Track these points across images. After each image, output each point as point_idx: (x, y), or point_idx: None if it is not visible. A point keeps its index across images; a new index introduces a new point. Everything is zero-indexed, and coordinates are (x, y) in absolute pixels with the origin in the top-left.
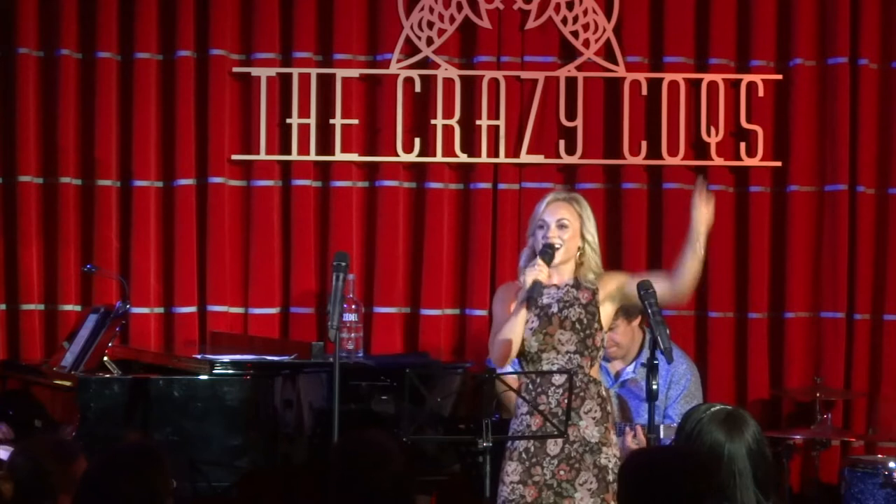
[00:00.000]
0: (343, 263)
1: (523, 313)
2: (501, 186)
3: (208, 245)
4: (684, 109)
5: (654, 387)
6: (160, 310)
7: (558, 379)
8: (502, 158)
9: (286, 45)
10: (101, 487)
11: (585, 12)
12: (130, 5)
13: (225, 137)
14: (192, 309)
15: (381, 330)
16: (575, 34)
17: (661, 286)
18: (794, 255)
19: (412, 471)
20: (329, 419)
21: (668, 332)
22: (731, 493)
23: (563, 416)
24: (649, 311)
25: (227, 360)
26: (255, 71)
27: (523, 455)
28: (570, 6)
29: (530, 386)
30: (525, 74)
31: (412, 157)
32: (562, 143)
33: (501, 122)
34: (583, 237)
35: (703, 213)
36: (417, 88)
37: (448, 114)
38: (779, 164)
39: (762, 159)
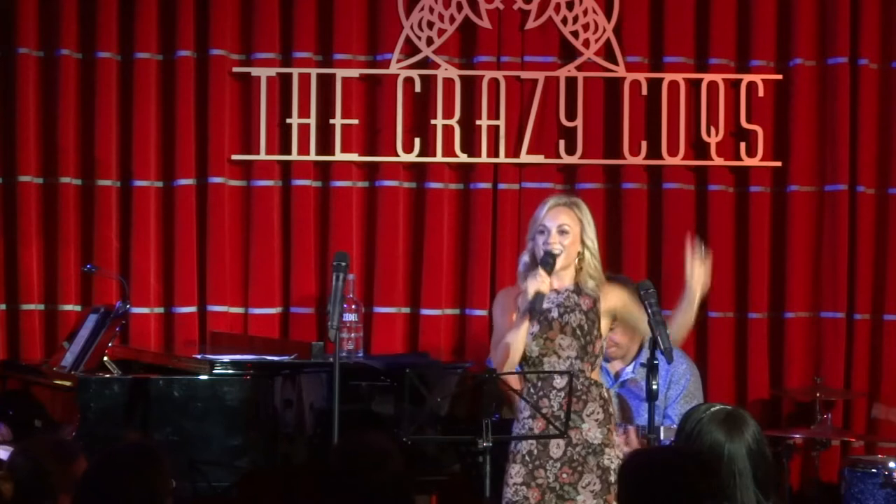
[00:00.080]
0: (343, 263)
1: (526, 325)
2: (501, 186)
3: (208, 245)
4: (684, 109)
5: (654, 387)
6: (160, 310)
7: (559, 382)
8: (502, 158)
9: (286, 45)
10: (101, 487)
11: (585, 12)
12: (130, 5)
13: (225, 137)
14: (192, 309)
15: (381, 330)
16: (575, 34)
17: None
18: (794, 255)
19: (412, 471)
20: (329, 419)
21: (668, 332)
22: (731, 493)
23: (564, 418)
24: (649, 311)
25: (227, 360)
26: (255, 71)
27: (526, 458)
28: (570, 6)
29: (532, 390)
30: (525, 74)
31: (412, 157)
32: (562, 143)
33: (501, 122)
34: (583, 242)
35: (699, 274)
36: (417, 88)
37: (448, 114)
38: (779, 164)
39: (762, 159)
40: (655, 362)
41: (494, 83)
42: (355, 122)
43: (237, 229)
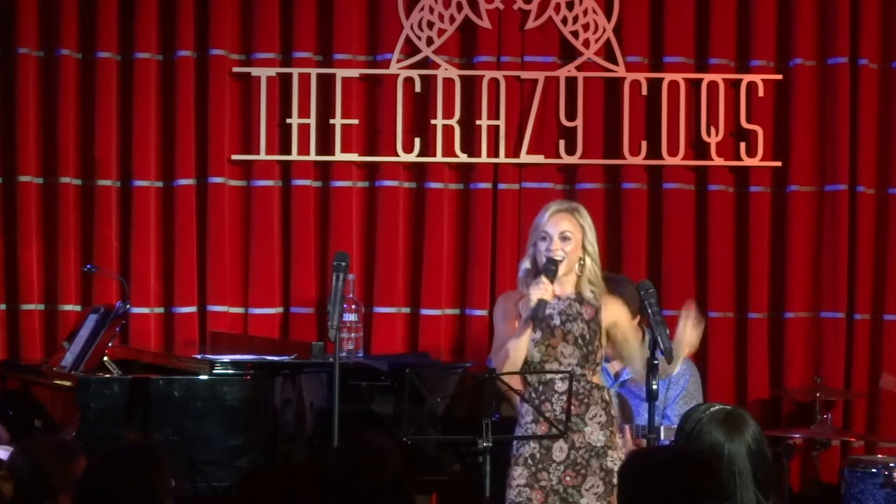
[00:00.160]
0: (343, 263)
1: (528, 332)
2: (501, 186)
3: (208, 245)
4: (684, 109)
5: (654, 387)
6: (160, 310)
7: (561, 387)
8: (502, 158)
9: (286, 45)
10: (101, 487)
11: (585, 12)
12: (130, 5)
13: (225, 137)
14: (192, 309)
15: (381, 330)
16: (575, 34)
17: (641, 360)
18: (794, 255)
19: (412, 471)
20: (329, 419)
21: (668, 332)
22: (731, 493)
23: (565, 419)
24: (649, 311)
25: (227, 360)
26: (255, 71)
27: (529, 461)
28: (570, 6)
29: (533, 395)
30: (525, 74)
31: (412, 157)
32: (562, 143)
33: (501, 122)
34: (584, 248)
35: (689, 336)
36: (417, 88)
37: (448, 114)
38: (779, 164)
39: (762, 159)
40: (655, 362)
41: (494, 83)
42: (355, 122)
43: (237, 229)
